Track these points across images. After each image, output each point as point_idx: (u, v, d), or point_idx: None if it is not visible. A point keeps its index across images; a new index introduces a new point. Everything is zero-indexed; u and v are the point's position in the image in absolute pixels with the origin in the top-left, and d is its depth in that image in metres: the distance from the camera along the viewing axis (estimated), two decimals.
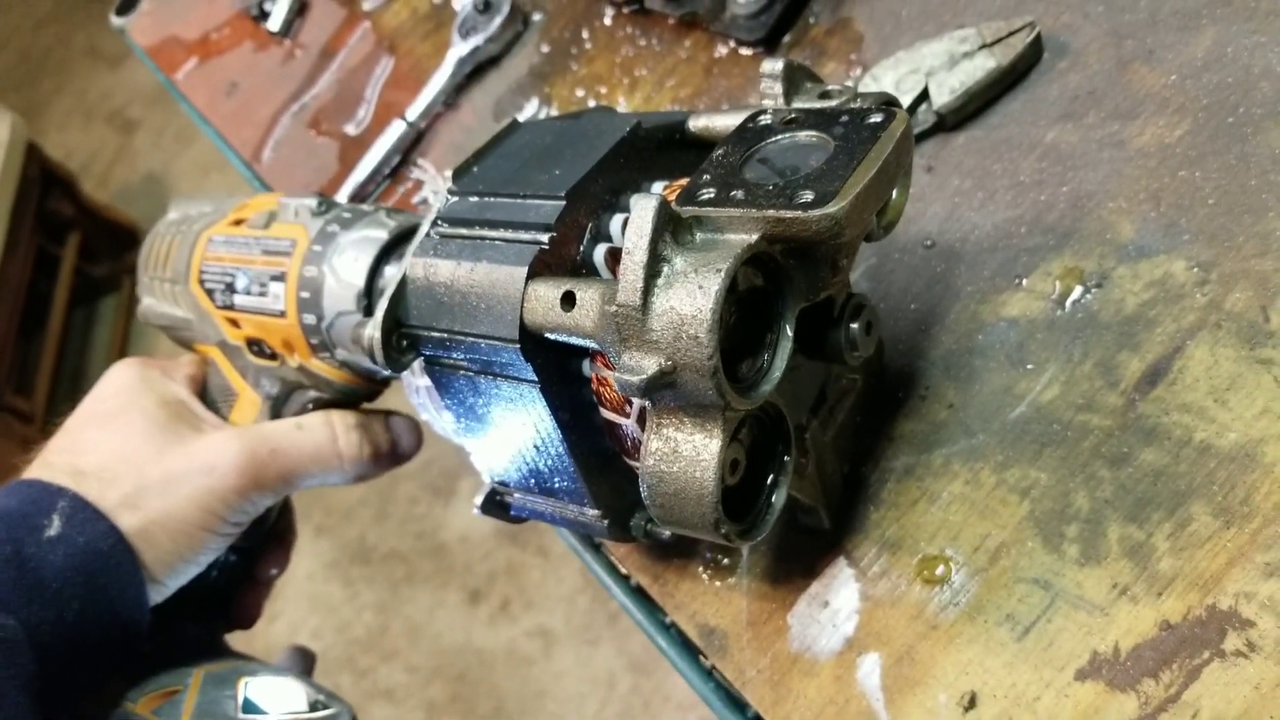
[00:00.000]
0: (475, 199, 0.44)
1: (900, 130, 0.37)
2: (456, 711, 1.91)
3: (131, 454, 0.52)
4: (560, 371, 0.42)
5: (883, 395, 0.51)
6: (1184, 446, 0.44)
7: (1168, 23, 0.53)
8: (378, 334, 0.43)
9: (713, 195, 0.37)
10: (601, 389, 0.42)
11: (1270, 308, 0.45)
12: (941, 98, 0.55)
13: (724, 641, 0.50)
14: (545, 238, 0.41)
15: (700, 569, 0.52)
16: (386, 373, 0.55)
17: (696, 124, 0.46)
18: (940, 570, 0.47)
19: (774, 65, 0.42)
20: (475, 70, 0.73)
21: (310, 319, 0.54)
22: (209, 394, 0.59)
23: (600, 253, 0.42)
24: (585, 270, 0.42)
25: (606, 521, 0.46)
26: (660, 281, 0.36)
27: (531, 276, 0.40)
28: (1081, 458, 0.46)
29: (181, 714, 0.49)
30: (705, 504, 0.37)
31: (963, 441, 0.49)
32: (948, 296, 0.52)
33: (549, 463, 0.44)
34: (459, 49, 0.73)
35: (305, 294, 0.53)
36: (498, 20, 0.72)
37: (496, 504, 0.50)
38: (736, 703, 0.50)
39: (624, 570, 0.55)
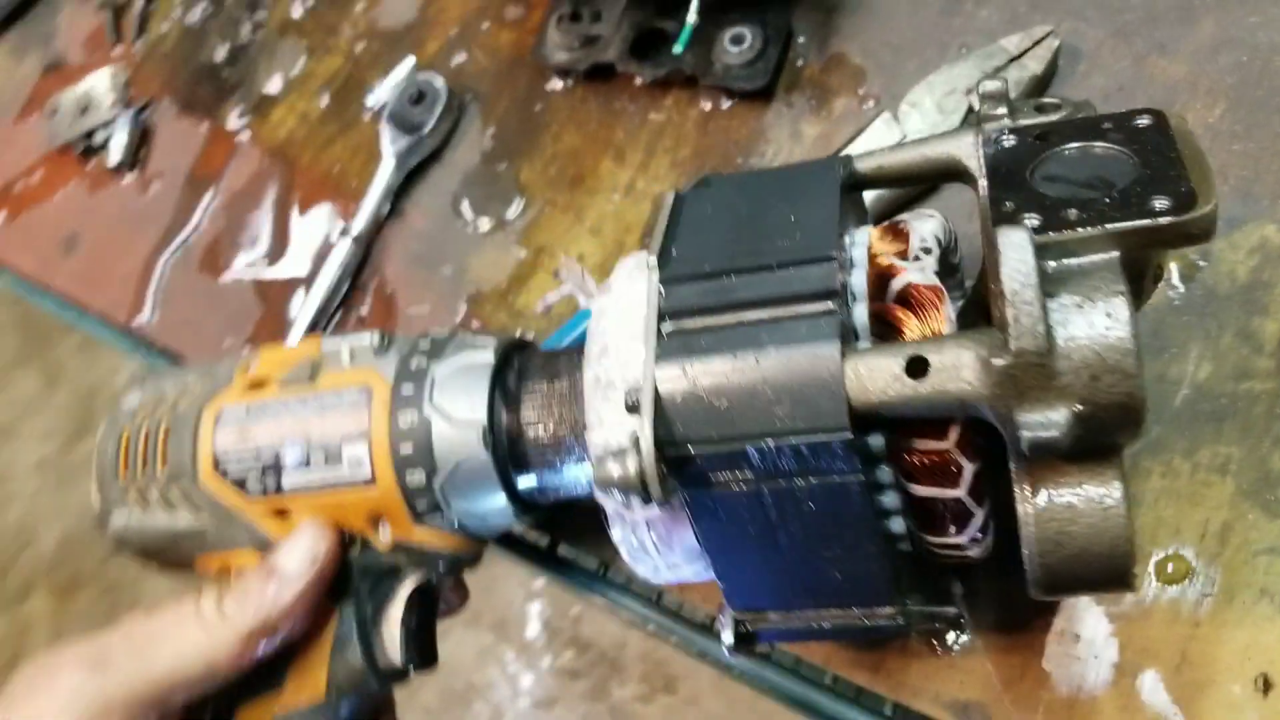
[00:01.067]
0: (704, 283, 0.38)
1: (1186, 126, 0.36)
2: None
3: None
4: (869, 464, 0.37)
5: None
6: None
7: (1166, 17, 0.57)
8: (650, 461, 0.36)
9: (1040, 221, 0.35)
10: (914, 461, 0.38)
11: None
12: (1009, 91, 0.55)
13: (985, 712, 0.46)
14: (834, 304, 0.36)
15: (922, 646, 0.48)
16: (518, 527, 0.48)
17: (865, 165, 0.43)
18: (1175, 568, 0.46)
19: (995, 86, 0.40)
20: (415, 169, 0.65)
21: (417, 478, 0.44)
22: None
23: (859, 316, 0.38)
24: (855, 334, 0.38)
25: (901, 618, 0.41)
26: (1056, 317, 0.32)
27: (840, 347, 0.35)
28: (1259, 422, 0.48)
29: None
30: (1119, 553, 0.34)
31: (1142, 439, 0.49)
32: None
33: (847, 569, 0.39)
34: (397, 146, 0.64)
35: (405, 449, 0.44)
36: (438, 109, 0.65)
37: (747, 639, 0.43)
38: None
39: (829, 671, 0.49)
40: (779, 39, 0.60)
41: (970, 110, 0.56)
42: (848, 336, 0.37)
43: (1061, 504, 0.34)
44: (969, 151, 0.41)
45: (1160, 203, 0.34)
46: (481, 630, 1.77)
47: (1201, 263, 0.51)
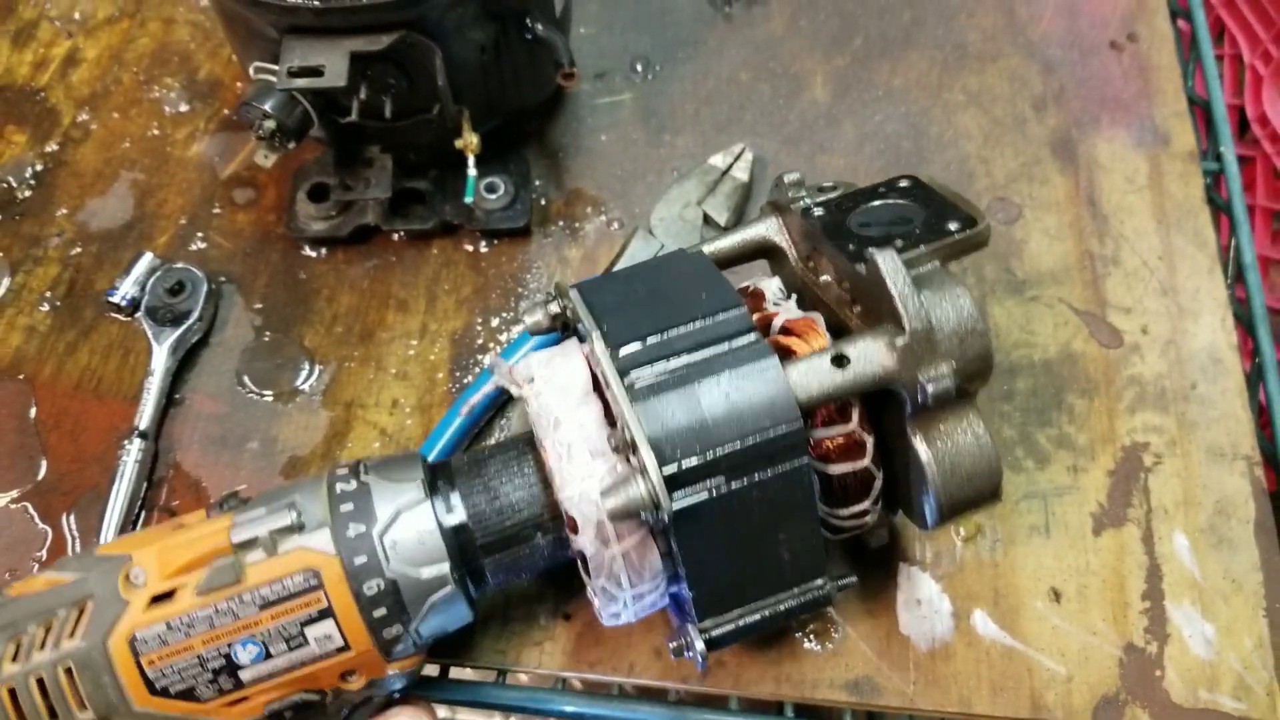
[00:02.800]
0: (643, 342, 0.45)
1: (931, 178, 0.51)
2: None
3: None
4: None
5: None
6: (1034, 367, 0.64)
7: (816, 124, 0.73)
8: (658, 478, 0.42)
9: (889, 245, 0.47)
10: (831, 446, 0.47)
11: (1010, 267, 0.67)
12: (721, 216, 0.67)
13: (872, 683, 0.55)
14: (755, 336, 0.45)
15: (804, 645, 0.56)
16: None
17: (710, 249, 0.53)
18: (967, 530, 0.60)
19: (794, 175, 0.51)
20: (185, 356, 0.64)
21: (394, 630, 0.45)
22: None
23: (778, 318, 0.49)
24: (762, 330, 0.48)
25: (834, 584, 0.49)
26: (925, 302, 0.44)
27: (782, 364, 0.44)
28: (987, 405, 0.63)
29: None
30: (996, 470, 0.46)
31: None
32: None
33: (794, 547, 0.47)
34: (165, 338, 0.63)
35: (379, 612, 0.45)
36: (201, 295, 0.64)
37: (715, 645, 0.48)
38: None
39: (732, 696, 0.56)
40: (525, 183, 0.68)
41: (706, 218, 0.67)
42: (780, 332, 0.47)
43: (950, 441, 0.46)
44: (775, 230, 0.52)
45: (953, 225, 0.47)
46: None
47: None
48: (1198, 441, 0.61)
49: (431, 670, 0.57)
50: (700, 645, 0.47)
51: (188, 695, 0.44)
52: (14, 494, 0.60)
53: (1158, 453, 0.61)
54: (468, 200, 0.62)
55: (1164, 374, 0.63)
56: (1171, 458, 0.61)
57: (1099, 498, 0.60)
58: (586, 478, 0.45)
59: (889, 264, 0.44)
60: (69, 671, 0.43)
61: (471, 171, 0.62)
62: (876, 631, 0.57)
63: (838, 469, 0.47)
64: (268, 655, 0.44)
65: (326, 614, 0.44)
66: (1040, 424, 0.62)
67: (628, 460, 0.45)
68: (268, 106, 0.58)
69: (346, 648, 0.45)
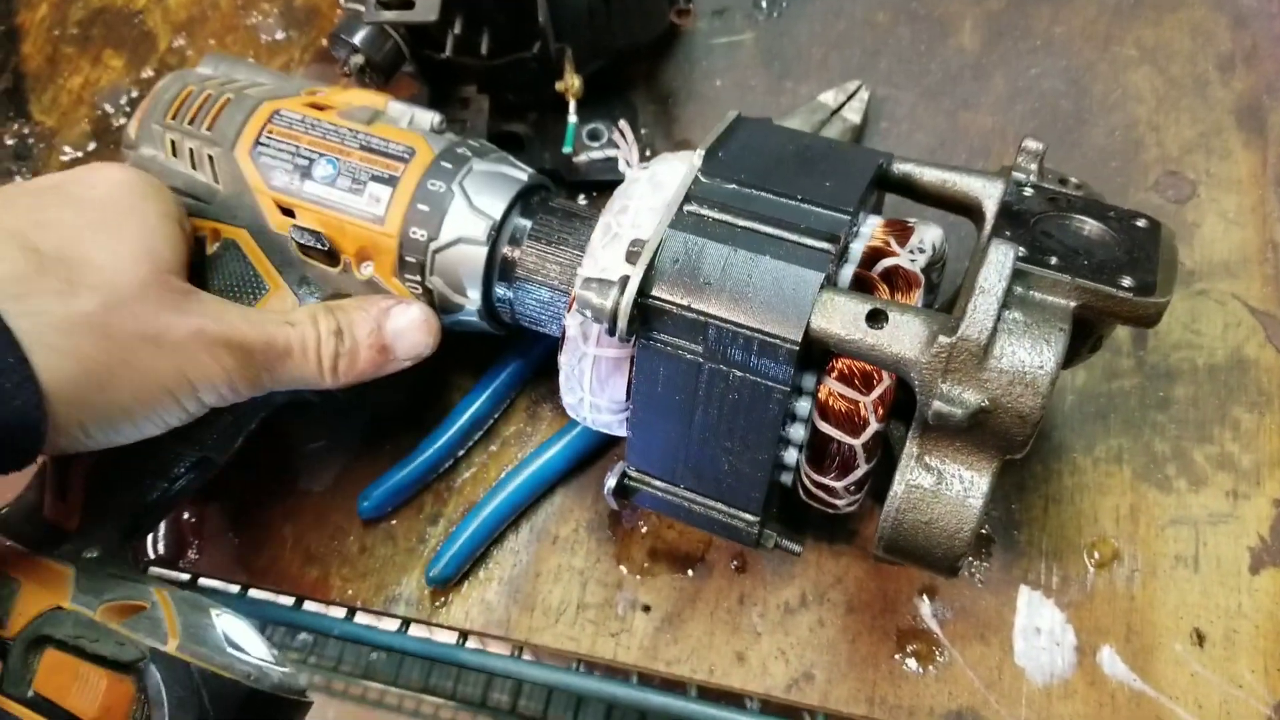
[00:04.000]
0: (736, 188, 0.43)
1: (1172, 239, 0.42)
2: None
3: (118, 263, 0.41)
4: (796, 383, 0.42)
5: None
6: (1196, 373, 0.56)
7: (961, 76, 0.65)
8: (628, 300, 0.39)
9: (1027, 255, 0.39)
10: (831, 403, 0.42)
11: (1178, 254, 0.59)
12: (1031, 163, 0.60)
13: (976, 715, 0.50)
14: (832, 248, 0.40)
15: (903, 667, 0.51)
16: (491, 325, 0.51)
17: (902, 170, 0.47)
18: (1101, 553, 0.53)
19: (1036, 145, 0.44)
20: None
21: (419, 235, 0.48)
22: (214, 281, 0.50)
23: (846, 274, 0.43)
24: (834, 283, 0.42)
25: (758, 530, 0.46)
26: (1004, 326, 0.37)
27: (824, 287, 0.40)
28: (1137, 412, 0.55)
29: (167, 634, 0.43)
30: (959, 540, 0.40)
31: (1044, 445, 0.55)
32: None
33: (734, 461, 0.44)
34: None
35: (424, 207, 0.48)
36: None
37: (625, 489, 0.48)
38: None
39: (833, 711, 0.51)
40: (632, 130, 0.62)
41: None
42: (831, 278, 0.41)
43: (933, 478, 0.40)
44: (991, 195, 0.45)
45: (1126, 281, 0.39)
46: None
47: None
48: None
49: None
50: (611, 482, 0.47)
51: (266, 173, 0.50)
52: None
53: None
54: (566, 149, 0.57)
55: None
56: None
57: (1261, 530, 0.52)
58: (609, 268, 0.44)
59: (998, 258, 0.37)
60: (226, 102, 0.51)
61: (572, 118, 0.56)
62: (987, 659, 0.51)
63: (826, 429, 0.42)
64: (334, 182, 0.49)
65: (392, 181, 0.48)
66: (1199, 439, 0.54)
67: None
68: (356, 40, 0.53)
69: (381, 220, 0.48)
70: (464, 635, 0.55)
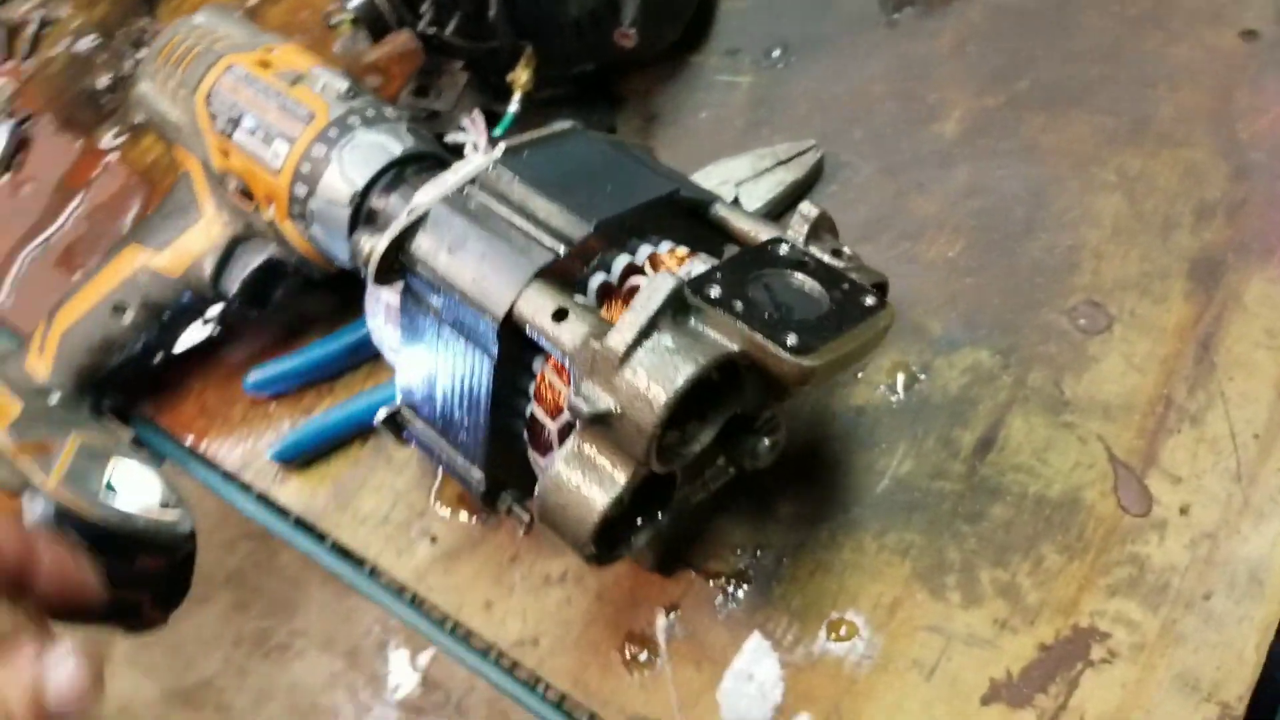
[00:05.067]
0: (517, 182, 0.48)
1: (884, 323, 0.44)
2: None
3: None
4: (513, 358, 0.46)
5: (764, 481, 0.57)
6: (1023, 499, 0.54)
7: (928, 161, 0.65)
8: (379, 253, 0.46)
9: (718, 295, 0.42)
10: (542, 388, 0.46)
11: (1061, 382, 0.57)
12: (752, 204, 0.63)
13: None
14: (562, 250, 0.45)
15: (622, 665, 0.53)
16: (344, 263, 0.58)
17: (718, 212, 0.51)
18: (844, 630, 0.53)
19: (810, 210, 0.47)
20: None
21: (301, 190, 0.56)
22: (166, 207, 0.62)
23: (596, 280, 0.47)
24: (578, 287, 0.46)
25: (484, 487, 0.50)
26: (647, 344, 0.40)
27: (536, 277, 0.44)
28: (945, 518, 0.54)
29: (53, 472, 0.54)
30: (584, 527, 0.42)
31: (841, 516, 0.55)
32: (798, 396, 0.59)
33: (465, 418, 0.48)
34: None
35: (305, 167, 0.56)
36: None
37: (395, 423, 0.53)
38: None
39: (542, 678, 0.54)
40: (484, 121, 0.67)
41: (735, 199, 0.63)
42: (557, 275, 0.45)
43: (578, 465, 0.43)
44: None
45: (790, 339, 0.41)
46: (335, 656, 1.78)
47: (921, 376, 0.58)
48: (1172, 660, 0.49)
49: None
50: (383, 413, 0.52)
51: (212, 118, 0.59)
52: None
53: (1115, 650, 0.50)
54: (496, 133, 0.63)
55: (1178, 568, 0.51)
56: (1129, 664, 0.49)
57: (1013, 668, 0.50)
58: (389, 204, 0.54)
59: (654, 284, 0.40)
60: (197, 54, 0.61)
61: (513, 107, 0.62)
62: (692, 684, 0.52)
63: (534, 409, 0.47)
64: (253, 133, 0.57)
65: (290, 140, 0.56)
66: (993, 562, 0.53)
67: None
68: (350, 5, 0.62)
69: (279, 172, 0.56)
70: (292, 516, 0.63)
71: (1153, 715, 0.48)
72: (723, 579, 0.55)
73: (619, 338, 0.40)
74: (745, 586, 0.54)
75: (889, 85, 0.68)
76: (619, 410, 0.40)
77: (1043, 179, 0.63)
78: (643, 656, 0.54)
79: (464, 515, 0.59)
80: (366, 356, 0.64)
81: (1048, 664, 0.50)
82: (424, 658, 1.78)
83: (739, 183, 0.63)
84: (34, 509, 0.53)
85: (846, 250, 0.47)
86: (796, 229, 0.47)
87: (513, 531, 0.58)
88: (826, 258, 0.46)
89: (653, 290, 0.40)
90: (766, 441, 0.47)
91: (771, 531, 0.56)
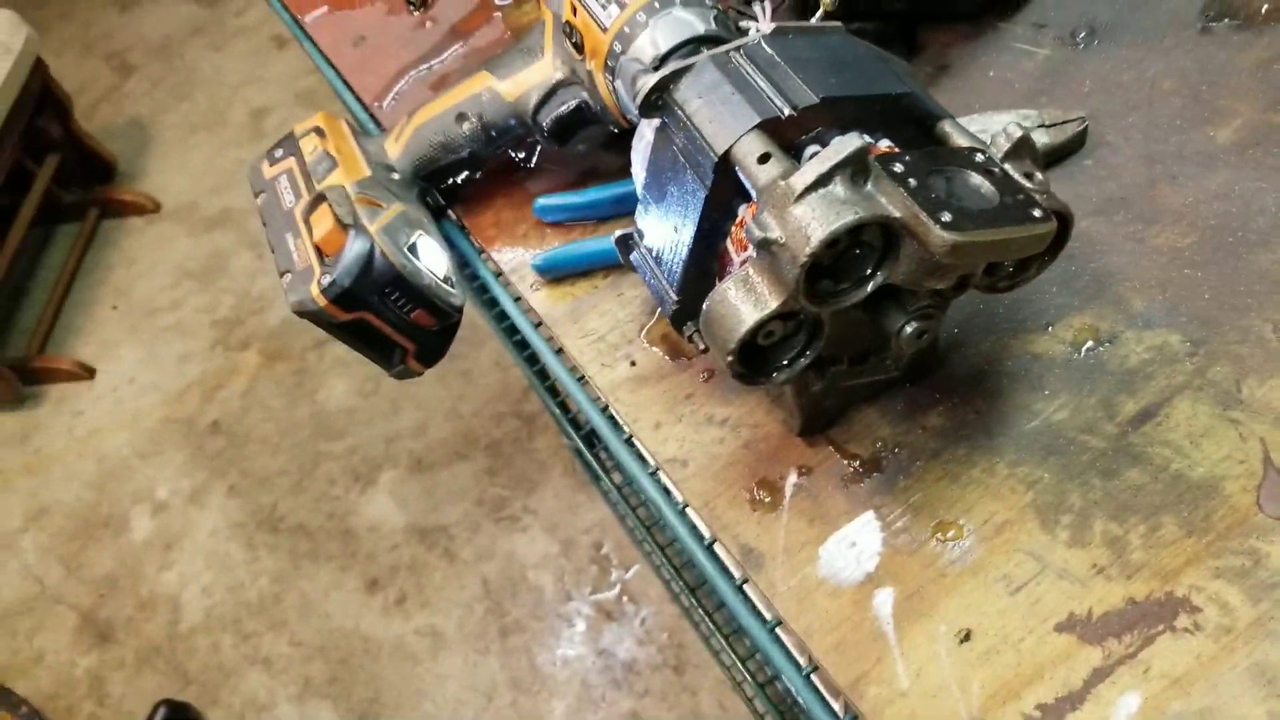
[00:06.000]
0: (772, 54, 0.56)
1: (1039, 233, 0.49)
2: (332, 694, 1.92)
3: None
4: (724, 197, 0.54)
5: (923, 392, 0.62)
6: (1162, 472, 0.56)
7: (1191, 159, 0.67)
8: (648, 86, 0.56)
9: (899, 171, 0.49)
10: (736, 228, 0.55)
11: (1242, 382, 0.58)
12: (1004, 145, 0.67)
13: (760, 560, 0.59)
14: (786, 111, 0.52)
15: (747, 502, 0.61)
16: (633, 116, 0.69)
17: (944, 128, 0.57)
18: (952, 533, 0.57)
19: (1015, 130, 0.53)
20: None
21: (618, 47, 0.66)
22: (519, 45, 0.75)
23: (809, 151, 0.54)
24: (792, 151, 0.54)
25: (676, 307, 0.59)
26: (821, 191, 0.47)
27: (755, 128, 0.52)
28: (1079, 467, 0.57)
29: (376, 221, 0.70)
30: (732, 337, 0.50)
31: (983, 439, 0.60)
32: (987, 328, 0.64)
33: (673, 243, 0.57)
34: None
35: (627, 29, 0.66)
36: None
37: (625, 244, 0.63)
38: (760, 616, 0.59)
39: (679, 496, 0.64)
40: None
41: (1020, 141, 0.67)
42: (776, 132, 0.53)
43: (741, 284, 0.51)
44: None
45: (944, 216, 0.46)
46: (554, 540, 1.96)
47: (1107, 343, 0.61)
48: (1254, 650, 0.50)
49: None
50: (618, 233, 0.63)
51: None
52: None
53: (1201, 625, 0.51)
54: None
55: None
56: (1210, 640, 0.51)
57: (1095, 609, 0.53)
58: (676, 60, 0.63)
59: (841, 142, 0.47)
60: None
61: (814, 20, 0.70)
62: (799, 535, 0.59)
63: (726, 245, 0.55)
64: None
65: (621, 6, 0.67)
66: (1111, 516, 0.55)
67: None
68: None
69: (605, 30, 0.67)
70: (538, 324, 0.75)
71: (1218, 692, 0.50)
72: (857, 461, 0.61)
73: (800, 179, 0.48)
74: (875, 474, 0.60)
75: (1179, 83, 0.70)
76: (782, 240, 0.48)
77: None
78: (767, 500, 0.61)
79: (660, 352, 0.69)
80: (629, 209, 0.75)
81: (1130, 616, 0.53)
82: (628, 573, 1.92)
83: (993, 136, 0.68)
84: (354, 243, 0.69)
85: (1039, 175, 0.51)
86: (999, 144, 0.52)
87: (695, 375, 0.67)
88: (1014, 174, 0.51)
89: (841, 146, 0.47)
90: (912, 327, 0.53)
91: (915, 435, 0.61)
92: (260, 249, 2.61)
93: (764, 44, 0.57)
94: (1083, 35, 0.74)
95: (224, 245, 2.66)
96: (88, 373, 2.48)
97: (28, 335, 2.55)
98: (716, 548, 0.62)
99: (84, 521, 2.26)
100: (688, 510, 0.64)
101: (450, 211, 0.82)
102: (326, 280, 0.67)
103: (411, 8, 0.96)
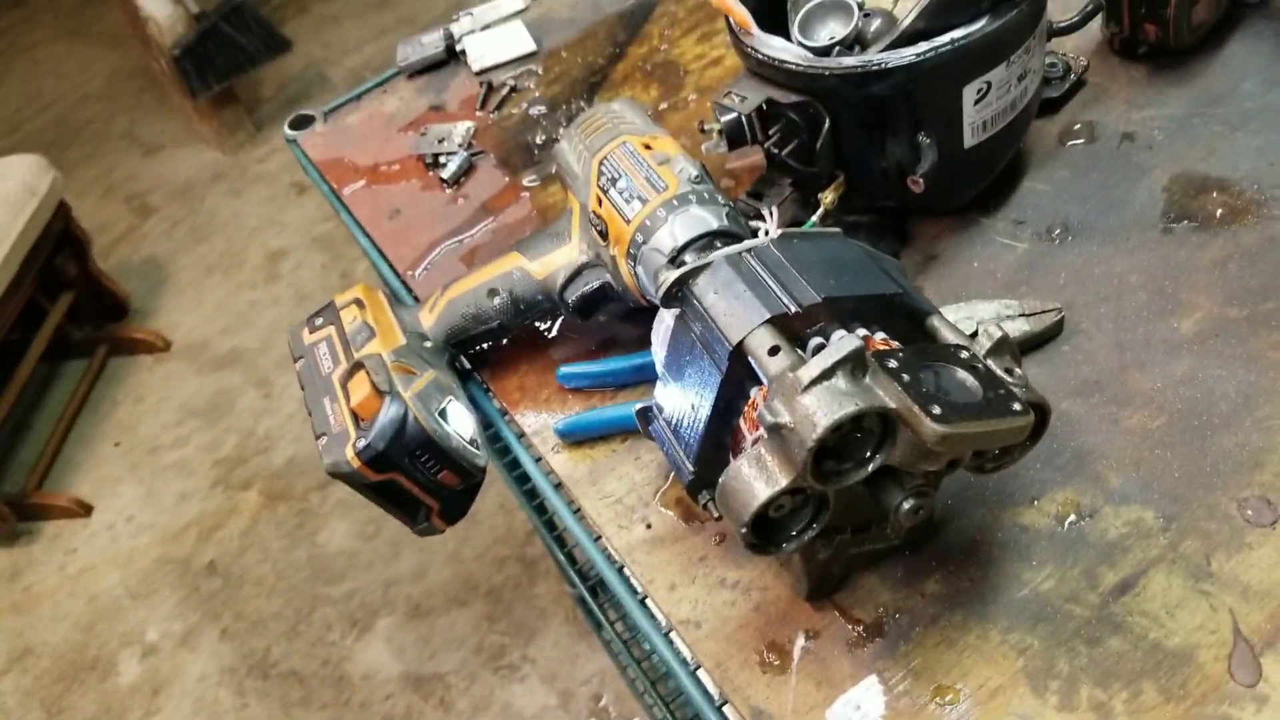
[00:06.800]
0: (779, 256, 0.63)
1: (1019, 425, 0.55)
2: None
3: None
4: (737, 380, 0.60)
5: (922, 560, 0.67)
6: (1141, 640, 0.61)
7: (1158, 347, 0.73)
8: (669, 281, 0.63)
9: (893, 366, 0.55)
10: (749, 409, 0.60)
11: (1211, 556, 0.63)
12: (986, 344, 0.74)
13: (767, 717, 0.63)
14: (793, 309, 0.59)
15: (757, 664, 0.65)
16: (652, 297, 0.75)
17: (933, 323, 0.63)
18: (950, 697, 0.61)
19: (995, 331, 0.59)
20: None
21: (639, 238, 0.74)
22: (548, 230, 0.83)
23: (814, 344, 0.60)
24: (797, 343, 0.60)
25: (693, 477, 0.63)
26: (825, 383, 0.53)
27: (766, 323, 0.58)
28: (1066, 634, 0.62)
29: (410, 388, 0.75)
30: (746, 510, 0.55)
31: (977, 606, 0.65)
32: (978, 500, 0.69)
33: (691, 419, 0.62)
34: None
35: (648, 222, 0.73)
36: None
37: (645, 415, 0.67)
38: None
39: (691, 657, 0.68)
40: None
41: (973, 334, 0.74)
42: (784, 327, 0.59)
43: (754, 462, 0.56)
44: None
45: (934, 409, 0.53)
46: (552, 691, 1.95)
47: (1088, 517, 0.67)
48: None
49: None
50: (638, 406, 0.68)
51: (600, 175, 0.79)
52: None
53: None
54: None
55: None
56: None
57: None
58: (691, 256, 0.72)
59: (843, 342, 0.53)
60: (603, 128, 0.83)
61: (814, 219, 0.78)
62: (810, 697, 0.63)
63: (740, 424, 0.61)
64: (620, 192, 0.76)
65: (644, 201, 0.75)
66: (1096, 682, 0.60)
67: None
68: (722, 120, 0.81)
69: (629, 222, 0.75)
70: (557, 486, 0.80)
71: None
72: (861, 625, 0.66)
73: (806, 372, 0.54)
74: (878, 638, 0.65)
75: (1144, 278, 0.77)
76: (791, 425, 0.54)
77: (1256, 387, 0.69)
78: (776, 662, 0.65)
79: (674, 515, 0.74)
80: (647, 378, 0.82)
81: None
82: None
83: (980, 321, 0.75)
84: (390, 408, 0.74)
85: (1019, 371, 0.58)
86: (981, 343, 0.59)
87: (708, 538, 0.72)
88: (997, 369, 0.57)
89: (842, 345, 0.54)
90: (909, 504, 0.58)
91: (914, 601, 0.66)
92: (268, 388, 2.66)
93: (772, 246, 0.64)
94: (1058, 232, 0.82)
95: (231, 384, 2.71)
96: (84, 510, 2.50)
97: (27, 470, 2.57)
98: (727, 709, 0.66)
99: (70, 664, 2.24)
100: (699, 671, 0.68)
101: (477, 375, 0.88)
102: (362, 444, 0.72)
103: (444, 184, 1.04)
